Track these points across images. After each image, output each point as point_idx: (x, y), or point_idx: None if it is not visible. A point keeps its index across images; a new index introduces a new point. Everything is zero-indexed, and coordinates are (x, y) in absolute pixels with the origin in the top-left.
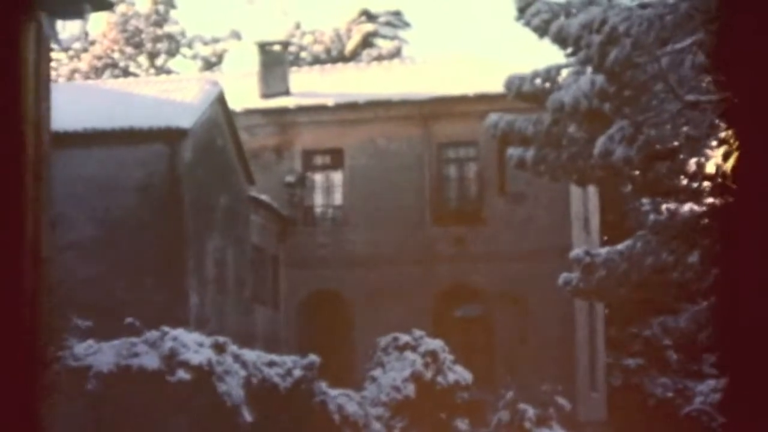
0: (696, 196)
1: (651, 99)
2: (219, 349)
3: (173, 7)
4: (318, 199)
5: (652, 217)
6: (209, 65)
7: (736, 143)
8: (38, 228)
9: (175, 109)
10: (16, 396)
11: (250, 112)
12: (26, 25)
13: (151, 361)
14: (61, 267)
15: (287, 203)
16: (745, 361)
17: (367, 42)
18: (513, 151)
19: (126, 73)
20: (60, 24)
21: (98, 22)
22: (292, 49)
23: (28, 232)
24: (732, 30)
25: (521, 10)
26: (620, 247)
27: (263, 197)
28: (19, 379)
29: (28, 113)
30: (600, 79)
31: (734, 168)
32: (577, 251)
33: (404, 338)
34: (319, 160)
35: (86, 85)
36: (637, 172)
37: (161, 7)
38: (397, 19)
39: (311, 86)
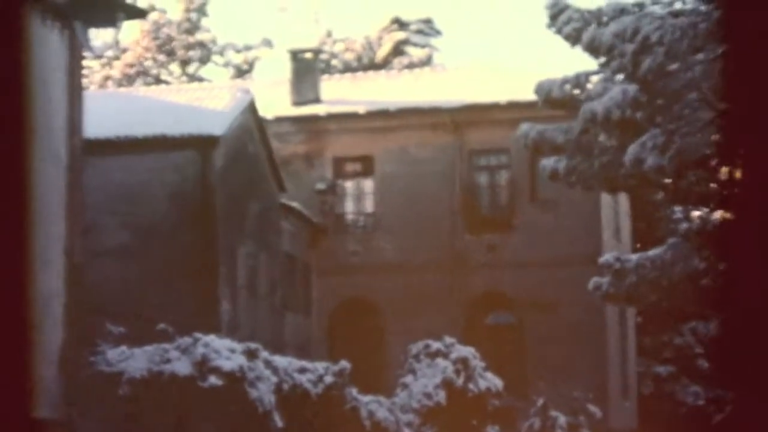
0: (727, 203)
1: (683, 107)
2: (251, 355)
3: (205, 14)
4: (349, 207)
5: (684, 224)
6: (241, 73)
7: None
8: (72, 234)
9: (207, 117)
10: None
11: (281, 120)
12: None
13: (183, 367)
14: (94, 273)
15: (318, 210)
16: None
17: (398, 50)
18: (546, 162)
19: (158, 80)
20: (93, 32)
21: (130, 30)
22: (323, 56)
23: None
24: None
25: (553, 18)
26: (651, 253)
27: (294, 204)
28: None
29: (55, 120)
30: (632, 88)
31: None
32: (607, 256)
33: (435, 345)
34: (349, 167)
35: (118, 93)
36: (668, 180)
37: (193, 15)
38: (428, 27)
39: (342, 94)
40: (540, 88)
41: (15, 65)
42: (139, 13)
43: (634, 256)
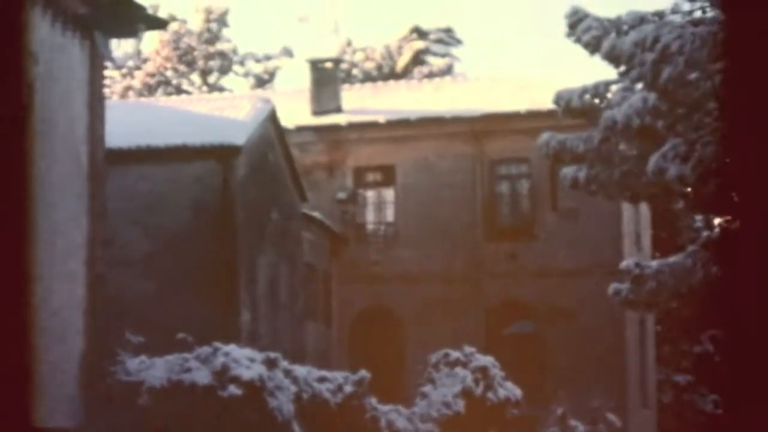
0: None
1: (704, 116)
2: (270, 364)
3: (225, 24)
4: (370, 216)
5: (705, 233)
6: (261, 82)
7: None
8: (93, 244)
9: (228, 127)
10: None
11: (301, 129)
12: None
13: (202, 376)
14: (114, 283)
15: (339, 220)
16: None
17: (418, 59)
18: (566, 171)
19: (179, 90)
20: (114, 42)
21: (151, 40)
22: (343, 66)
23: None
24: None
25: (572, 27)
26: (671, 259)
27: (315, 214)
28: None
29: (77, 130)
30: (652, 96)
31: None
32: (627, 262)
33: (455, 354)
34: (370, 177)
35: (139, 103)
36: (689, 189)
37: (213, 25)
38: (448, 36)
39: (363, 103)
40: (559, 98)
41: (15, 66)
42: (160, 24)
43: (654, 263)
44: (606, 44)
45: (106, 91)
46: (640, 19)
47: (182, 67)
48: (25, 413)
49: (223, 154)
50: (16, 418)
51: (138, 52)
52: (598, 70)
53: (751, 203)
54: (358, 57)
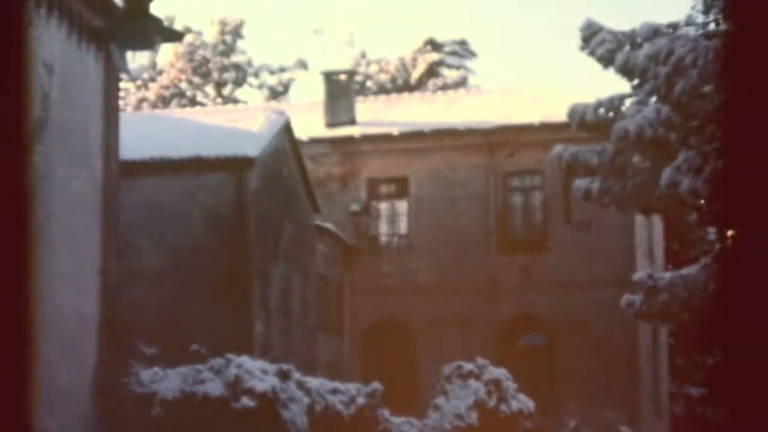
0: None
1: (717, 129)
2: (283, 376)
3: (240, 36)
4: (383, 228)
5: (717, 245)
6: (275, 94)
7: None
8: (107, 255)
9: (242, 138)
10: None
11: (315, 141)
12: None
13: (215, 388)
14: (128, 294)
15: (352, 232)
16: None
17: (432, 71)
18: (579, 183)
19: (193, 102)
20: (129, 54)
21: (166, 52)
22: (357, 78)
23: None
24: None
25: (586, 40)
26: (684, 272)
27: (329, 226)
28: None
29: (92, 141)
30: (665, 108)
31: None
32: (640, 274)
33: (468, 366)
34: (384, 189)
35: (154, 115)
36: (702, 202)
37: (228, 37)
38: (462, 49)
39: (377, 115)
40: (574, 112)
41: (16, 67)
42: (176, 36)
43: (667, 275)
44: (620, 57)
45: (121, 102)
46: (654, 32)
47: (197, 79)
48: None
49: (236, 166)
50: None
51: (153, 65)
52: (611, 83)
53: (753, 216)
54: (373, 69)
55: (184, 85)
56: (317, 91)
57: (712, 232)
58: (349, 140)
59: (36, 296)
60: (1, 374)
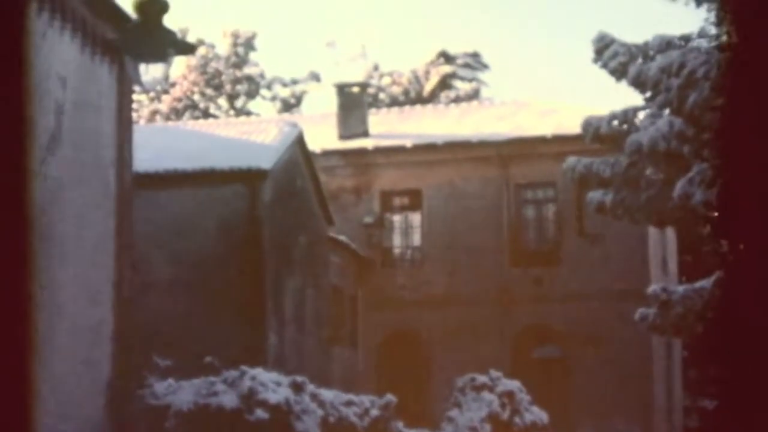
0: None
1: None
2: (297, 388)
3: (253, 49)
4: (396, 240)
5: (731, 258)
6: (288, 107)
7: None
8: (121, 268)
9: (255, 151)
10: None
11: (328, 154)
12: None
13: (229, 400)
14: (142, 306)
15: (366, 244)
16: None
17: (445, 83)
18: (592, 196)
19: (206, 114)
20: (143, 67)
21: (178, 64)
22: (370, 90)
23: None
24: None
25: (598, 52)
26: (698, 285)
27: (342, 238)
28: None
29: (105, 154)
30: (678, 121)
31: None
32: (654, 287)
33: (481, 379)
34: (397, 201)
35: (167, 127)
36: (716, 214)
37: (241, 50)
38: (475, 61)
39: (389, 128)
40: (587, 125)
41: (17, 71)
42: (189, 49)
43: (681, 288)
44: (632, 70)
45: (134, 115)
46: (667, 44)
47: (209, 91)
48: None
49: (250, 178)
50: None
51: (166, 77)
52: (623, 95)
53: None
54: (385, 81)
55: (196, 97)
56: (330, 103)
57: (725, 245)
58: (362, 152)
59: (36, 300)
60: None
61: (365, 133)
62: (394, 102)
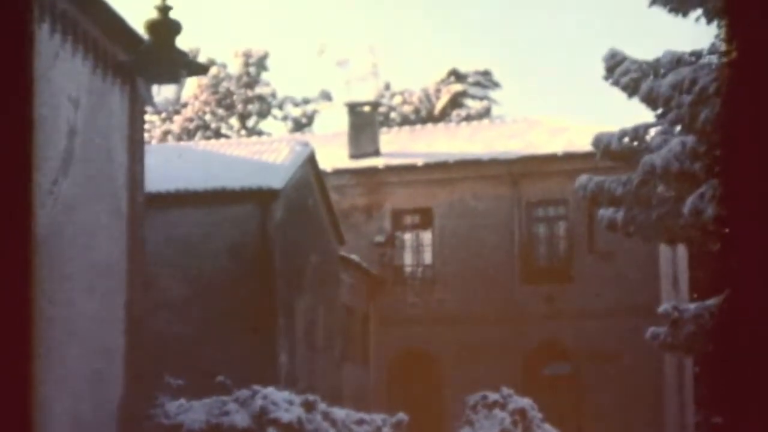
0: None
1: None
2: (309, 407)
3: (264, 69)
4: (407, 259)
5: (738, 271)
6: (299, 126)
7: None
8: (133, 287)
9: (267, 170)
10: None
11: (340, 173)
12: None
13: (241, 419)
14: (153, 326)
15: (377, 263)
16: None
17: (456, 102)
18: (604, 213)
19: (217, 134)
20: (155, 88)
21: (190, 85)
22: (381, 109)
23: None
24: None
25: (609, 70)
26: (709, 302)
27: (353, 257)
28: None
29: (117, 174)
30: (690, 139)
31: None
32: (665, 305)
33: (493, 396)
34: (408, 219)
35: (178, 147)
36: (727, 230)
37: (252, 69)
38: (486, 79)
39: (400, 146)
40: (598, 141)
41: (20, 79)
42: (201, 69)
43: (692, 306)
44: (644, 87)
45: (146, 135)
46: (678, 61)
47: (221, 111)
48: None
49: (261, 197)
50: None
51: (178, 98)
52: (636, 112)
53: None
54: (396, 100)
55: (208, 117)
56: (341, 122)
57: (733, 260)
58: (373, 171)
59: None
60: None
61: (376, 152)
62: (405, 121)
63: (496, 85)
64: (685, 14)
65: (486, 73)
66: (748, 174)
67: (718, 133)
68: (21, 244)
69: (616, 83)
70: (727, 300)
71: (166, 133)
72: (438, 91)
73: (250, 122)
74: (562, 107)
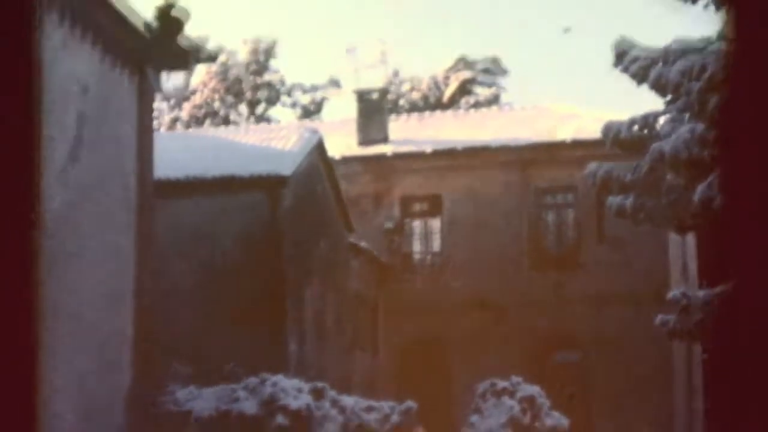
0: None
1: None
2: (317, 394)
3: (273, 56)
4: (416, 246)
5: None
6: (308, 113)
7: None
8: (142, 275)
9: (276, 157)
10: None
11: (348, 160)
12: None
13: (250, 406)
14: (162, 314)
15: (386, 250)
16: None
17: (464, 89)
18: (613, 200)
19: (226, 121)
20: (163, 75)
21: (198, 72)
22: (390, 96)
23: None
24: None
25: (619, 57)
26: (717, 290)
27: (362, 244)
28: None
29: (126, 161)
30: (699, 127)
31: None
32: (674, 292)
33: (502, 384)
34: (417, 206)
35: (187, 134)
36: (729, 217)
37: (261, 57)
38: (494, 66)
39: (409, 133)
40: (608, 129)
41: (26, 79)
42: (210, 57)
43: (701, 293)
44: (653, 74)
45: (155, 122)
46: (687, 48)
47: (230, 98)
48: None
49: (270, 184)
50: None
51: (187, 85)
52: (645, 99)
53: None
54: (405, 87)
55: (217, 105)
56: (350, 109)
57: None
58: (382, 158)
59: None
60: (5, 379)
61: (385, 139)
62: (413, 108)
63: (504, 72)
64: (694, 1)
65: (495, 60)
66: (750, 161)
67: (719, 124)
68: (27, 230)
69: (625, 70)
70: (733, 288)
71: (175, 120)
72: (447, 78)
73: (259, 109)
74: (571, 94)
